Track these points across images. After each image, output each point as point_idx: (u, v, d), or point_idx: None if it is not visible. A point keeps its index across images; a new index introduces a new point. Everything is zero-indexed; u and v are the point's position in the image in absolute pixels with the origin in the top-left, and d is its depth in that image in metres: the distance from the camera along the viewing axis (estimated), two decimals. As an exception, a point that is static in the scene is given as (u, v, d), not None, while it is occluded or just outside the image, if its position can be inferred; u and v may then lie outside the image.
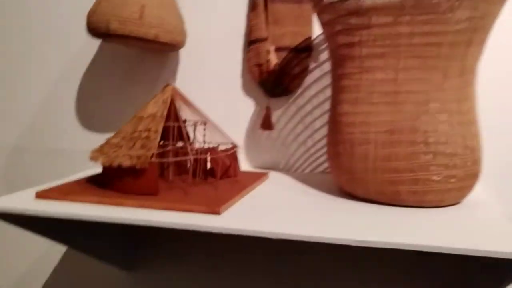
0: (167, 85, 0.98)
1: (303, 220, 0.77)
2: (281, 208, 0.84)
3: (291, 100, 1.17)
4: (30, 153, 1.41)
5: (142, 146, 0.89)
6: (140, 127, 0.92)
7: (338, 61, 0.94)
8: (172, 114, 0.96)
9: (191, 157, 0.90)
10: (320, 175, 1.14)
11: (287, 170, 1.20)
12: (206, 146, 1.08)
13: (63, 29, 1.36)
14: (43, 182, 1.39)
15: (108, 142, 0.92)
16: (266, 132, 1.20)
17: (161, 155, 0.97)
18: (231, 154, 1.04)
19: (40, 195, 0.87)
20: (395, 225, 0.76)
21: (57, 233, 0.94)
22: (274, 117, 1.19)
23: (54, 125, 1.38)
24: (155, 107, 0.95)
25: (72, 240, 0.99)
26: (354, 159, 0.88)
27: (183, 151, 1.03)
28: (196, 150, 1.02)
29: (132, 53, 1.32)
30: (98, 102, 1.35)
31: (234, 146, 1.06)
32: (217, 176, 1.03)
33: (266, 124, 1.18)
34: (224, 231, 0.73)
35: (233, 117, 1.21)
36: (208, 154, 0.99)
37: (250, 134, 1.21)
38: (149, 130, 0.91)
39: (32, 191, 0.91)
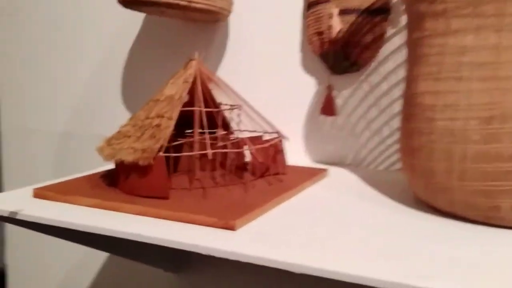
0: (190, 60, 0.79)
1: (354, 248, 0.54)
2: (327, 224, 0.61)
3: (361, 77, 0.97)
4: (78, 139, 1.33)
5: (151, 137, 0.71)
6: (153, 113, 0.75)
7: (414, 21, 0.68)
8: (198, 96, 0.76)
9: (209, 151, 0.70)
10: (397, 174, 0.90)
11: (356, 165, 1.02)
12: (242, 135, 0.88)
13: (101, 10, 1.24)
14: (91, 168, 1.30)
15: (119, 131, 0.76)
16: (330, 119, 1.00)
17: (177, 148, 0.79)
18: (274, 146, 0.82)
19: (38, 193, 0.74)
20: (493, 257, 0.50)
21: (81, 239, 0.80)
22: (339, 99, 1.00)
23: (101, 110, 1.28)
24: (174, 88, 0.77)
25: (107, 246, 0.86)
26: (434, 158, 0.63)
27: (212, 143, 0.83)
28: (226, 140, 0.82)
29: (175, 30, 1.15)
30: (144, 84, 1.21)
31: (279, 136, 0.84)
32: (254, 173, 0.83)
33: (328, 108, 0.94)
34: (230, 256, 0.53)
35: (288, 99, 1.05)
36: (240, 145, 0.79)
37: (310, 121, 1.04)
38: (161, 116, 0.73)
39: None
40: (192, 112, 0.77)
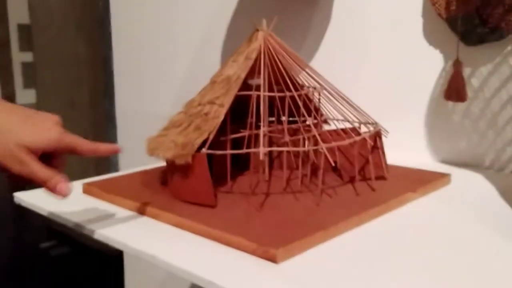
0: (256, 30, 0.63)
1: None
2: (429, 268, 0.41)
3: (506, 48, 0.73)
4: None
5: (196, 128, 0.57)
6: (206, 98, 0.61)
7: None
8: (262, 76, 0.60)
9: (261, 150, 0.54)
10: None
11: (497, 170, 0.79)
12: (324, 127, 0.69)
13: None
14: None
15: (171, 119, 0.64)
16: (460, 105, 0.79)
17: (239, 142, 0.64)
18: (369, 142, 0.62)
19: (86, 189, 0.66)
20: None
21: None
22: (473, 79, 0.78)
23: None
24: (234, 67, 0.62)
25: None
26: None
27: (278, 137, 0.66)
28: (300, 133, 0.65)
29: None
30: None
31: (375, 128, 0.64)
32: (341, 176, 0.64)
33: (456, 90, 0.71)
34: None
35: (402, 80, 0.86)
36: (324, 140, 0.61)
37: (432, 108, 0.84)
38: (212, 103, 0.58)
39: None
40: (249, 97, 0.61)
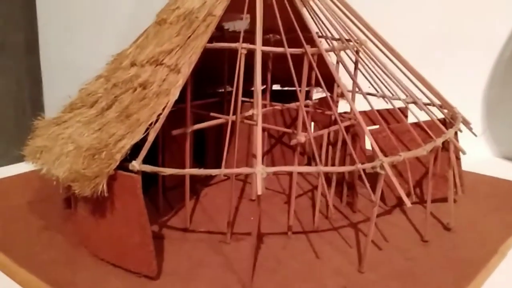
0: None
1: None
2: None
3: None
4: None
5: (124, 115, 0.28)
6: (148, 52, 0.31)
7: None
8: (258, 16, 0.31)
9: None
10: None
11: None
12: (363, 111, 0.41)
13: None
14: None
15: (76, 96, 0.35)
16: None
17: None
18: (443, 144, 0.35)
19: None
20: None
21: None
22: None
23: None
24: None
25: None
26: None
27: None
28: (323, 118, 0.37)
29: None
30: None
31: (450, 117, 0.36)
32: (384, 198, 0.37)
33: None
34: None
35: (466, 44, 0.59)
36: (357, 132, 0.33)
37: (504, 87, 0.58)
38: (158, 63, 0.29)
39: None
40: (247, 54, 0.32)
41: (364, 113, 0.43)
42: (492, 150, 0.60)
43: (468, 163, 0.50)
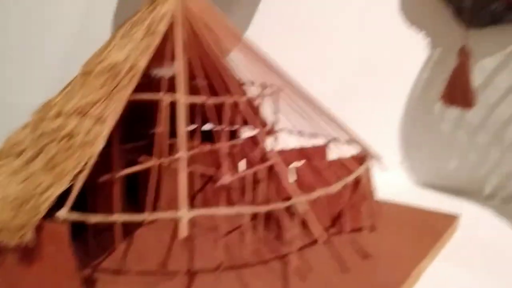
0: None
1: None
2: None
3: None
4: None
5: (49, 165, 0.29)
6: (74, 103, 0.33)
7: None
8: (178, 63, 0.34)
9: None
10: None
11: (504, 200, 0.61)
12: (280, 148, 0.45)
13: None
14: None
15: (8, 140, 0.36)
16: (451, 111, 0.60)
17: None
18: (359, 175, 0.39)
19: None
20: None
21: None
22: (478, 74, 0.57)
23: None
24: (125, 48, 0.35)
25: None
26: None
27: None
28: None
29: None
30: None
31: (363, 151, 0.41)
32: (306, 228, 0.39)
33: (460, 91, 0.54)
34: None
35: (378, 78, 0.65)
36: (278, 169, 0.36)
37: (412, 113, 0.65)
38: (84, 113, 0.31)
39: None
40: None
41: (287, 151, 0.46)
42: (412, 179, 0.65)
43: (388, 193, 0.55)
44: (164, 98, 0.34)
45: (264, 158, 0.42)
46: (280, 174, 0.43)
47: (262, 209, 0.39)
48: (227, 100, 0.37)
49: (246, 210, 0.34)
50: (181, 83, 0.35)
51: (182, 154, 0.33)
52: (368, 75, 0.66)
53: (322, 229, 0.34)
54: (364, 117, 0.65)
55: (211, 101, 0.37)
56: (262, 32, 0.70)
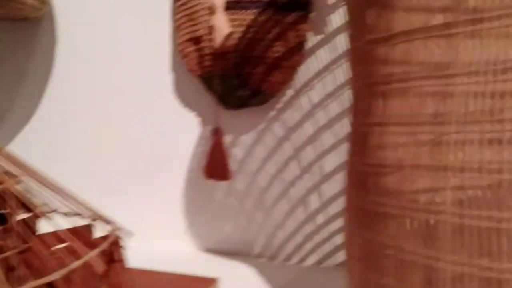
0: None
1: None
2: None
3: (269, 116, 0.65)
4: None
5: None
6: None
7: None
8: None
9: None
10: (337, 272, 0.62)
11: (269, 258, 0.69)
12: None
13: None
14: None
15: None
16: (222, 183, 0.67)
17: None
18: (106, 251, 0.42)
19: None
20: None
21: None
22: (235, 150, 0.67)
23: None
24: None
25: None
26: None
27: None
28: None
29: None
30: None
31: (113, 230, 0.45)
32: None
33: (217, 166, 0.57)
34: None
35: (152, 150, 0.71)
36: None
37: (190, 184, 0.71)
38: None
39: None
40: None
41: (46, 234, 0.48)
42: (196, 244, 0.71)
43: (170, 260, 0.59)
44: None
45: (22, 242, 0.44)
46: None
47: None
48: None
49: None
50: None
51: None
52: (148, 153, 0.71)
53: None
54: (151, 190, 0.71)
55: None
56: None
